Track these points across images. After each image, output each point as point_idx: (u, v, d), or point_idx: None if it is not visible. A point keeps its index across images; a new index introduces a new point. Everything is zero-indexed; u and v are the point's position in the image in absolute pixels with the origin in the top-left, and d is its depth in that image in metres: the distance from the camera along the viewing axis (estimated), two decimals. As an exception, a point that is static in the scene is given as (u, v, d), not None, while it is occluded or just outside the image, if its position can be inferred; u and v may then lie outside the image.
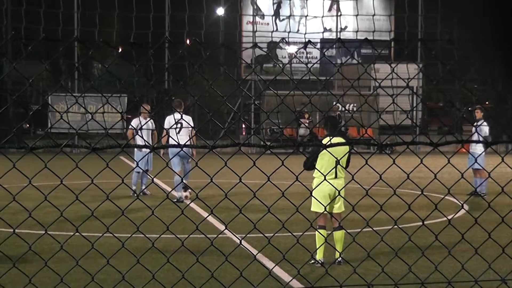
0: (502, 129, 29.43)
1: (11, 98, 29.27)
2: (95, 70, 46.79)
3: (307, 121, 33.89)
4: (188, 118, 16.12)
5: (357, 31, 27.06)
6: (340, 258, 8.90)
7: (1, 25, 28.99)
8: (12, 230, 4.13)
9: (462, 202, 4.72)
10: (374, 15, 21.60)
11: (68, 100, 27.30)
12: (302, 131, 34.18)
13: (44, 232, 4.40)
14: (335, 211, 9.13)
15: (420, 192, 4.34)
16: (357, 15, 23.75)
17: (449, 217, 4.74)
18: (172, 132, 15.38)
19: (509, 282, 5.32)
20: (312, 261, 8.85)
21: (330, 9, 42.05)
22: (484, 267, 5.42)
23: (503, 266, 7.96)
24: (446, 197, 10.26)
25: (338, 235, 9.08)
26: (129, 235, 5.04)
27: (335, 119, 10.29)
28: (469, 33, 36.49)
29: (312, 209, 8.91)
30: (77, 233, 4.47)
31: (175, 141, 15.03)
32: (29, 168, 4.35)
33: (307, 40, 4.26)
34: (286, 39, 34.82)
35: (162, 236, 5.64)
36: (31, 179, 3.84)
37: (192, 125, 16.20)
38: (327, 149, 8.33)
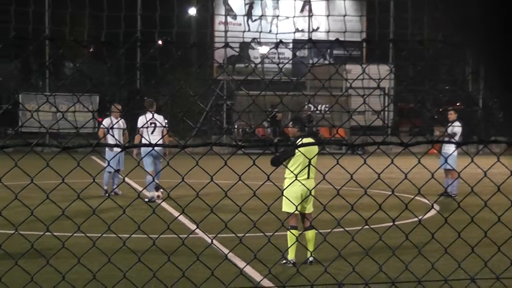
0: (471, 130, 29.73)
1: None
2: (66, 70, 46.41)
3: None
4: (160, 118, 16.08)
5: (328, 32, 27.11)
6: (312, 257, 8.92)
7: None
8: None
9: (432, 203, 4.77)
10: (345, 15, 21.71)
11: (39, 99, 27.07)
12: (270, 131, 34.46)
13: (14, 231, 4.37)
14: (306, 211, 9.16)
15: (390, 193, 4.37)
16: (328, 16, 23.89)
17: (420, 217, 4.79)
18: (145, 132, 15.33)
19: (478, 281, 5.39)
20: (284, 261, 8.87)
21: (302, 10, 42.12)
22: (454, 267, 5.47)
23: (472, 265, 8.04)
24: (418, 198, 10.33)
25: (310, 235, 9.11)
26: (100, 235, 5.02)
27: (305, 120, 10.32)
28: (441, 34, 36.70)
29: (283, 209, 8.92)
30: (47, 233, 4.44)
31: (148, 141, 14.95)
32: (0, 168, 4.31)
33: (278, 40, 4.28)
34: (257, 40, 34.82)
35: (134, 236, 5.62)
36: (0, 178, 3.81)
37: (165, 125, 16.16)
38: (301, 149, 8.36)
